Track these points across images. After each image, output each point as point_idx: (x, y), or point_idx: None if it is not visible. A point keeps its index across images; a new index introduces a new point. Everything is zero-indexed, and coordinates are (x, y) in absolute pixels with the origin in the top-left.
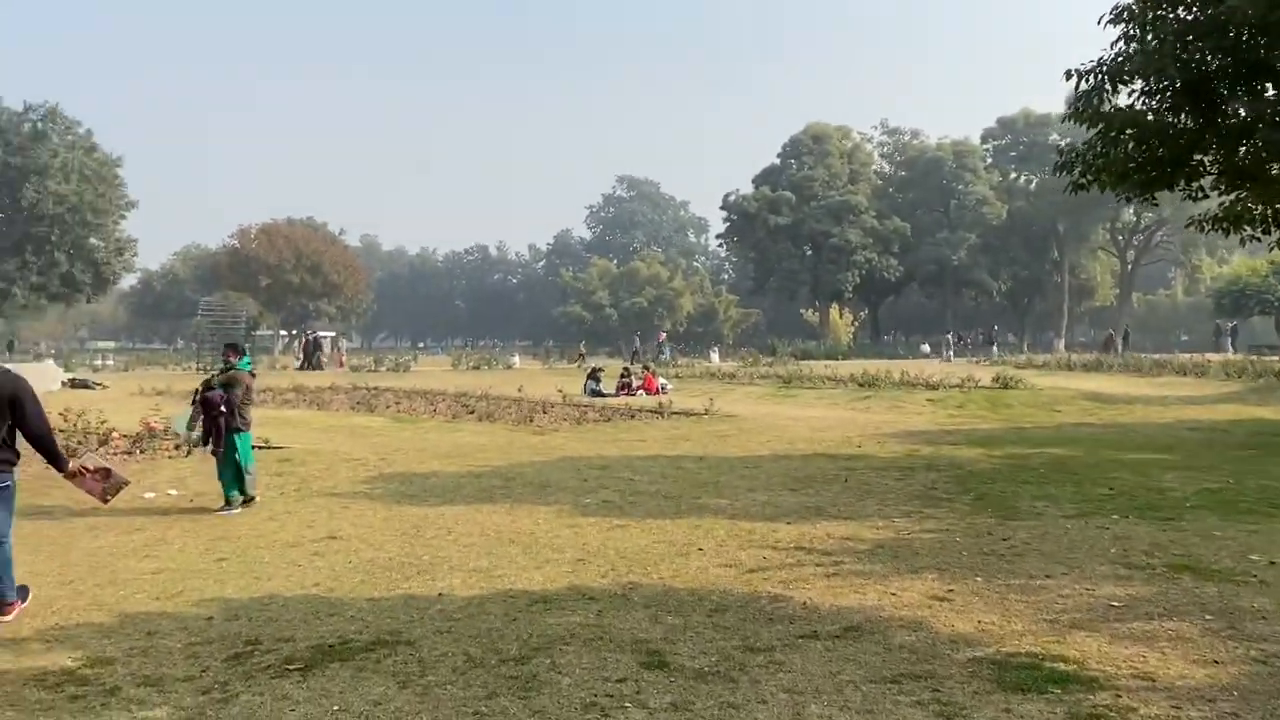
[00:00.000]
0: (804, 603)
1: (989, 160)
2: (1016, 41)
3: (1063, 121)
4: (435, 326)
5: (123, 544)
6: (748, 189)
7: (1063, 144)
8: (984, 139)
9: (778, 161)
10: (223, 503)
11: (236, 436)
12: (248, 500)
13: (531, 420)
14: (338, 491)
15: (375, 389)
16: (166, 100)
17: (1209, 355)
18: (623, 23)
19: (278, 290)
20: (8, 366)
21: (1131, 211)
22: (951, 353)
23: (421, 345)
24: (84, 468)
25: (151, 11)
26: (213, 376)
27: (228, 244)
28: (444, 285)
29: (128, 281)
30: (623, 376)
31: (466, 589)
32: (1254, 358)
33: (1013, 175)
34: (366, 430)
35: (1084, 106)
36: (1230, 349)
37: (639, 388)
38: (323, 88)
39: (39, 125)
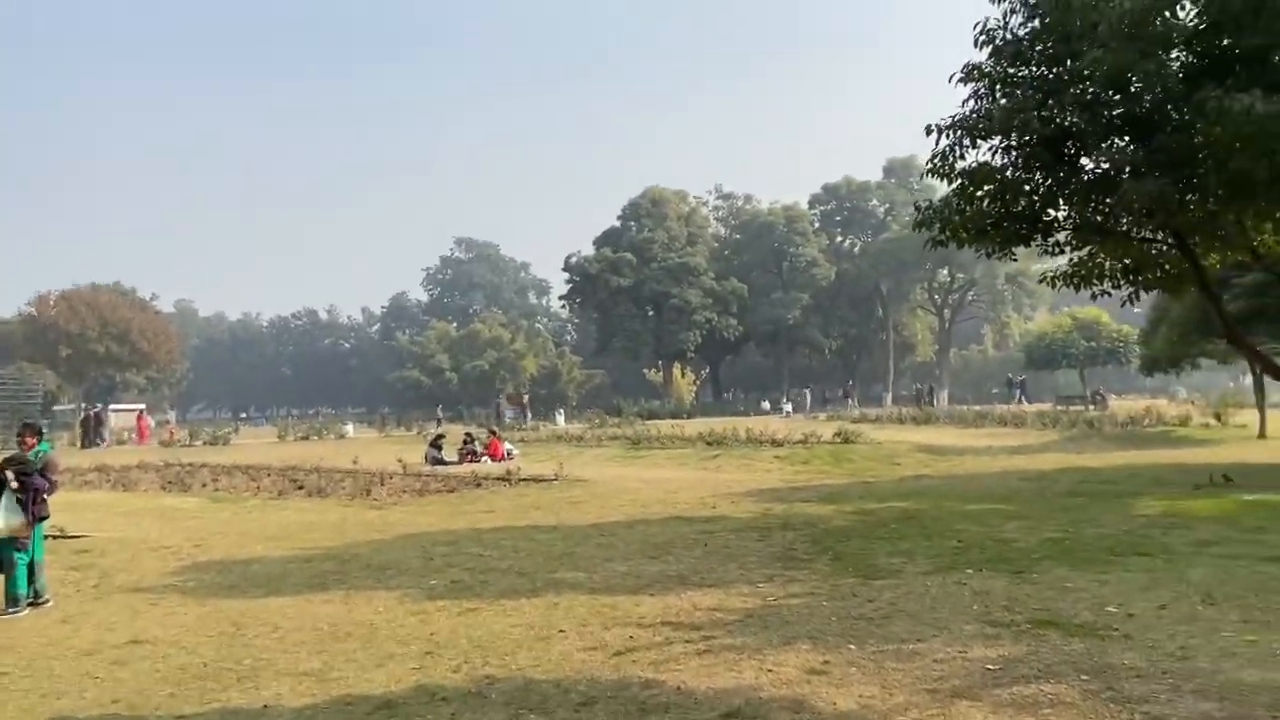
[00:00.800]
0: (678, 687)
1: (816, 224)
2: (839, 111)
3: (922, 177)
4: (260, 396)
5: None
6: (589, 250)
7: (921, 202)
8: (811, 204)
9: (618, 224)
10: (6, 605)
11: (38, 526)
12: (37, 601)
13: (368, 493)
14: (144, 586)
15: (190, 465)
16: None
17: (1016, 406)
18: (462, 77)
19: (80, 361)
20: None
21: (945, 272)
22: (790, 408)
23: (244, 416)
24: None
25: None
26: (16, 459)
27: (24, 312)
28: (269, 351)
29: None
30: (465, 443)
31: (296, 697)
32: (1062, 408)
33: (839, 239)
34: (179, 512)
35: (941, 162)
36: (1022, 400)
37: (484, 454)
38: (132, 138)
39: None
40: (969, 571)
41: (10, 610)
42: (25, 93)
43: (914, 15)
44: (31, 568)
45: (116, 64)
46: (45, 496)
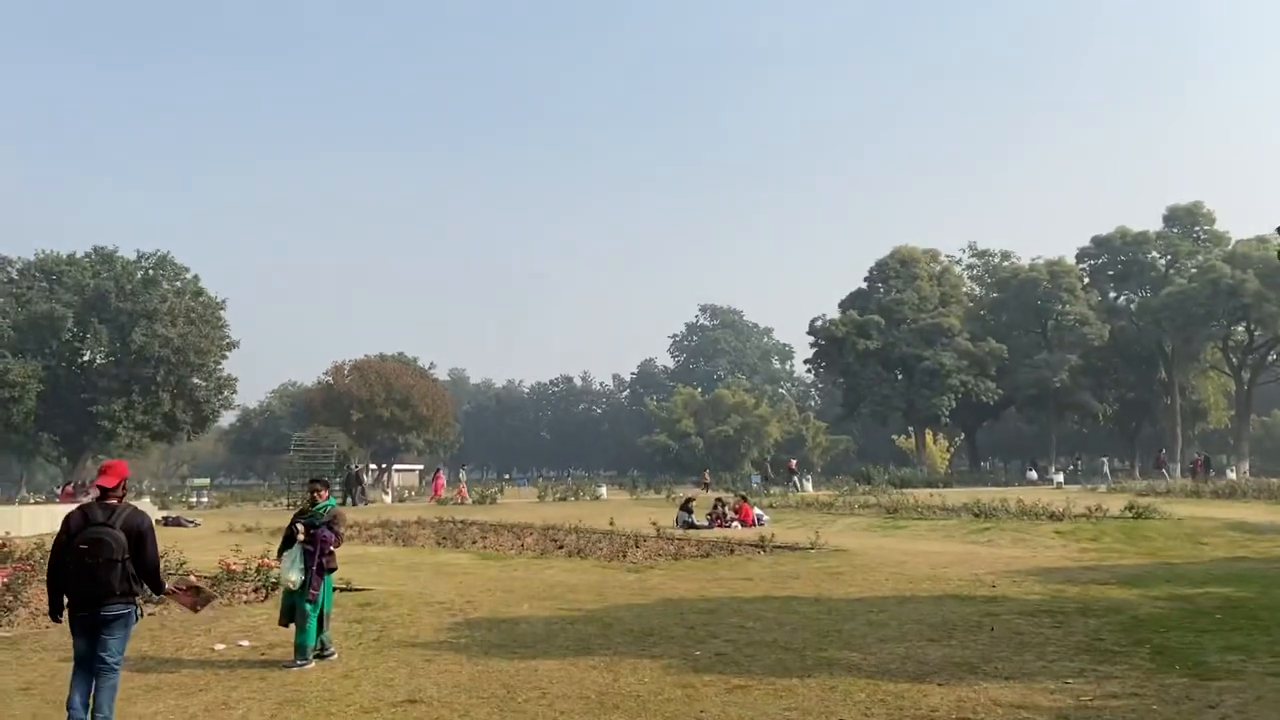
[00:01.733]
0: None
1: (1085, 280)
2: (1100, 162)
3: None
4: (521, 457)
5: (180, 709)
6: (834, 313)
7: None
8: (1079, 258)
9: (864, 285)
10: (295, 656)
11: (327, 578)
12: (323, 653)
13: (625, 555)
14: (420, 641)
15: (462, 522)
16: (272, 246)
17: None
18: (704, 142)
19: (368, 424)
20: (136, 504)
21: (1243, 328)
22: (1061, 478)
23: (507, 476)
24: (177, 587)
25: (240, 171)
26: (307, 511)
27: (322, 380)
28: (529, 416)
29: (227, 419)
30: (716, 507)
31: None
32: None
33: (1112, 294)
34: (452, 568)
35: None
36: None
37: (734, 519)
38: (414, 235)
39: (150, 272)
40: None
41: (299, 663)
42: (310, 175)
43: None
44: (321, 619)
45: (404, 150)
46: (332, 549)
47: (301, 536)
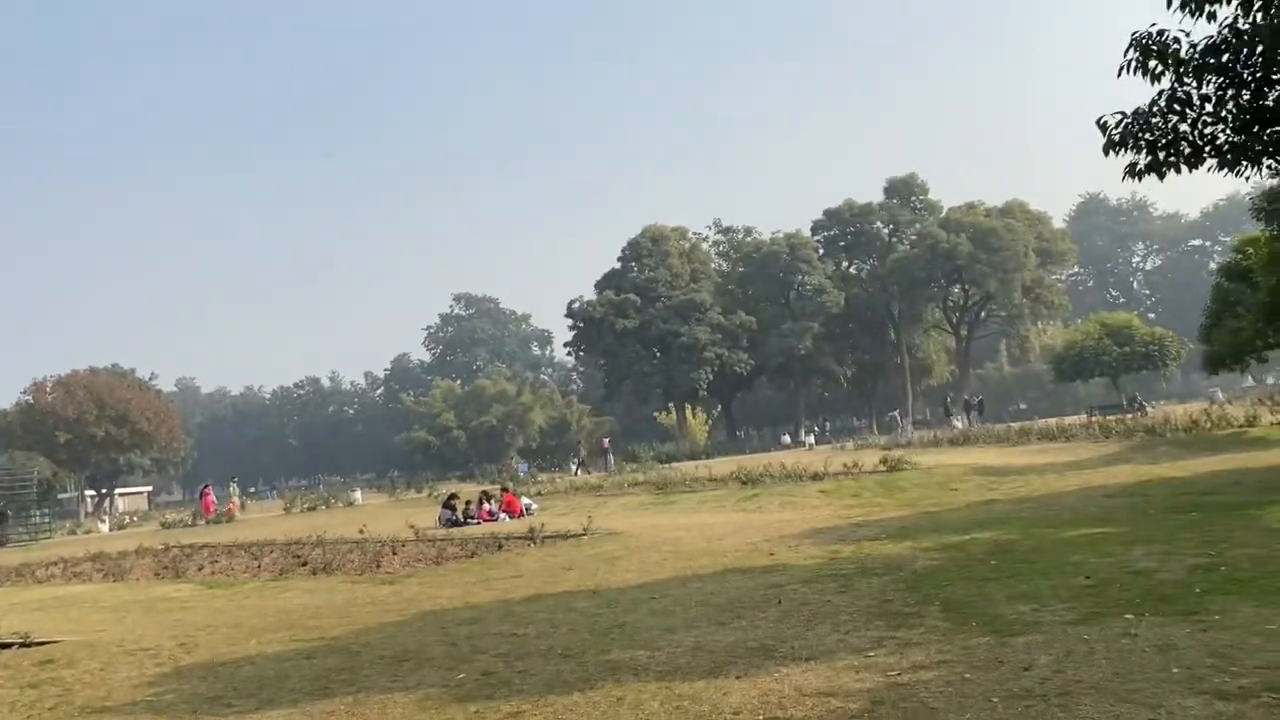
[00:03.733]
0: None
1: (821, 251)
2: (828, 134)
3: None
4: (267, 469)
5: None
6: (591, 295)
7: (1108, 116)
8: (814, 230)
9: (619, 265)
10: None
11: None
12: None
13: (379, 566)
14: (110, 704)
15: (190, 546)
16: None
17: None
18: (445, 132)
19: (80, 446)
20: None
21: (959, 289)
22: (812, 440)
23: (252, 490)
24: None
25: None
26: None
27: (21, 401)
28: (274, 423)
29: None
30: (481, 501)
31: None
32: (1098, 419)
33: (844, 264)
34: (169, 603)
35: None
36: (970, 422)
37: (502, 511)
38: (122, 219)
39: None
40: (1128, 617)
41: None
42: (14, 173)
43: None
44: None
45: (109, 144)
46: None
47: None
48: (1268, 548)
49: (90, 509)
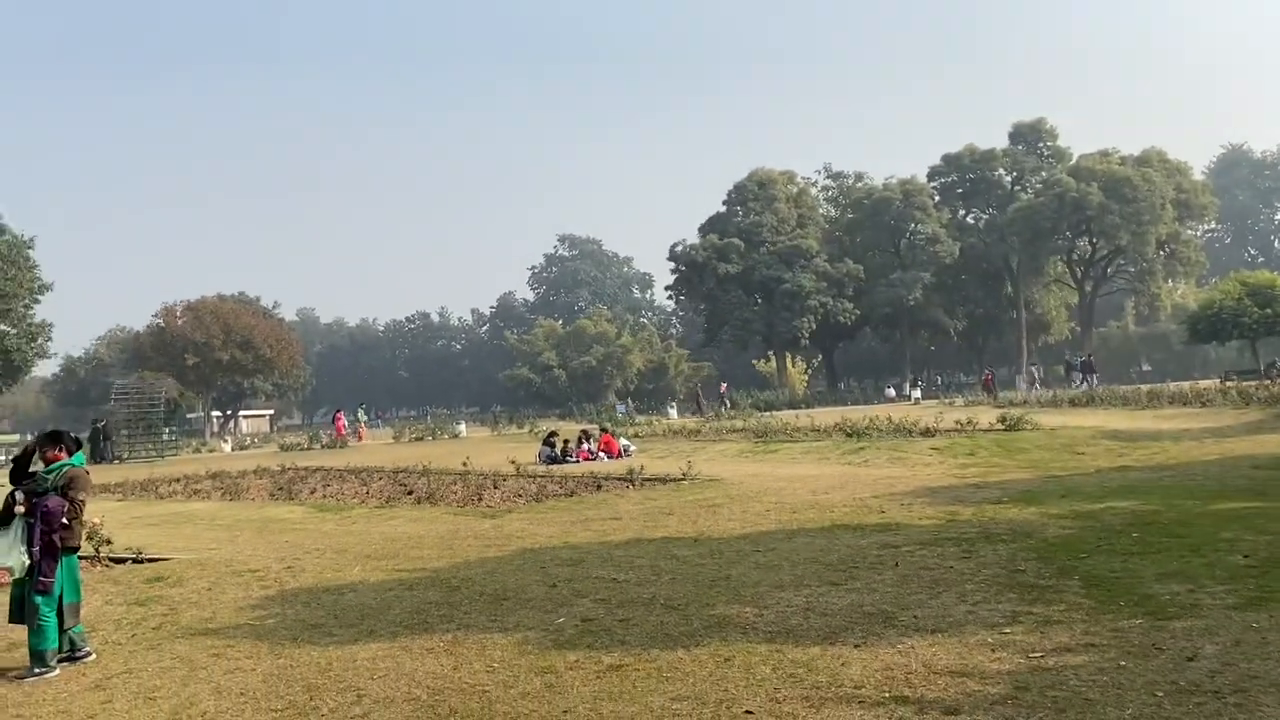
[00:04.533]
0: None
1: (937, 198)
2: (954, 77)
3: None
4: (379, 398)
5: None
6: (694, 239)
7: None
8: (930, 176)
9: (723, 209)
10: (31, 663)
11: (66, 559)
12: (74, 654)
13: (480, 499)
14: (213, 626)
15: (305, 469)
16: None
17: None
18: (559, 73)
19: (206, 369)
20: None
21: (1086, 242)
22: (919, 394)
23: (365, 418)
24: None
25: (61, 90)
26: (36, 477)
27: (153, 324)
28: (386, 355)
29: (47, 369)
30: (581, 441)
31: None
32: (1233, 384)
33: (961, 213)
34: (281, 524)
35: None
36: (1084, 384)
37: (600, 451)
38: (253, 160)
39: None
40: None
41: (37, 671)
42: (147, 105)
43: None
44: (61, 613)
45: (241, 79)
46: (66, 521)
47: (21, 508)
48: None
49: (216, 429)
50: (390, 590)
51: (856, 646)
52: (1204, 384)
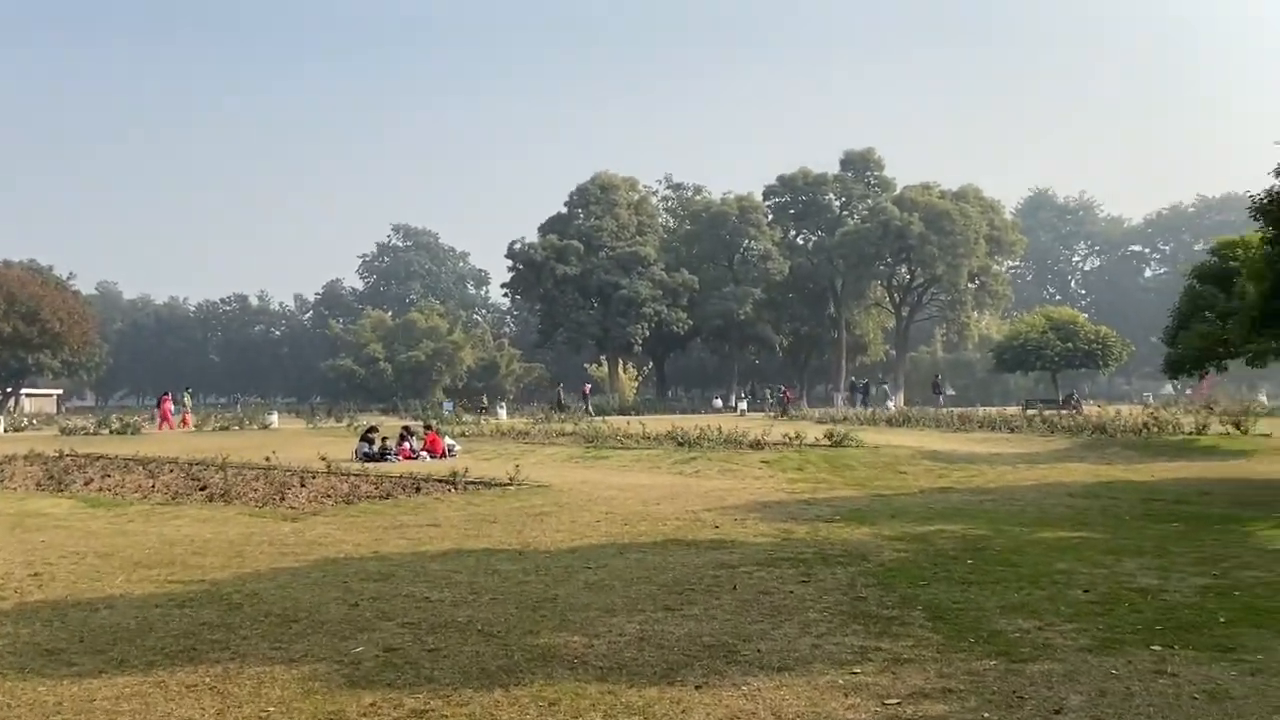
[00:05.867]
0: None
1: (770, 217)
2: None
3: None
4: (186, 382)
5: None
6: (533, 239)
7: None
8: (765, 195)
9: (565, 210)
10: None
11: None
12: None
13: (283, 499)
14: None
15: (86, 456)
16: None
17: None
18: (405, 63)
19: None
20: None
21: (906, 270)
22: (745, 406)
23: (190, 403)
24: None
25: None
26: None
27: None
28: (196, 337)
29: None
30: (402, 438)
31: None
32: (1033, 412)
33: (792, 233)
34: (40, 520)
35: None
36: (864, 405)
37: (423, 450)
38: (55, 111)
39: None
40: (1155, 648)
41: None
42: None
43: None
44: None
45: (57, 32)
46: None
47: None
48: (1272, 571)
49: None
50: (156, 607)
51: (698, 688)
52: (1010, 410)
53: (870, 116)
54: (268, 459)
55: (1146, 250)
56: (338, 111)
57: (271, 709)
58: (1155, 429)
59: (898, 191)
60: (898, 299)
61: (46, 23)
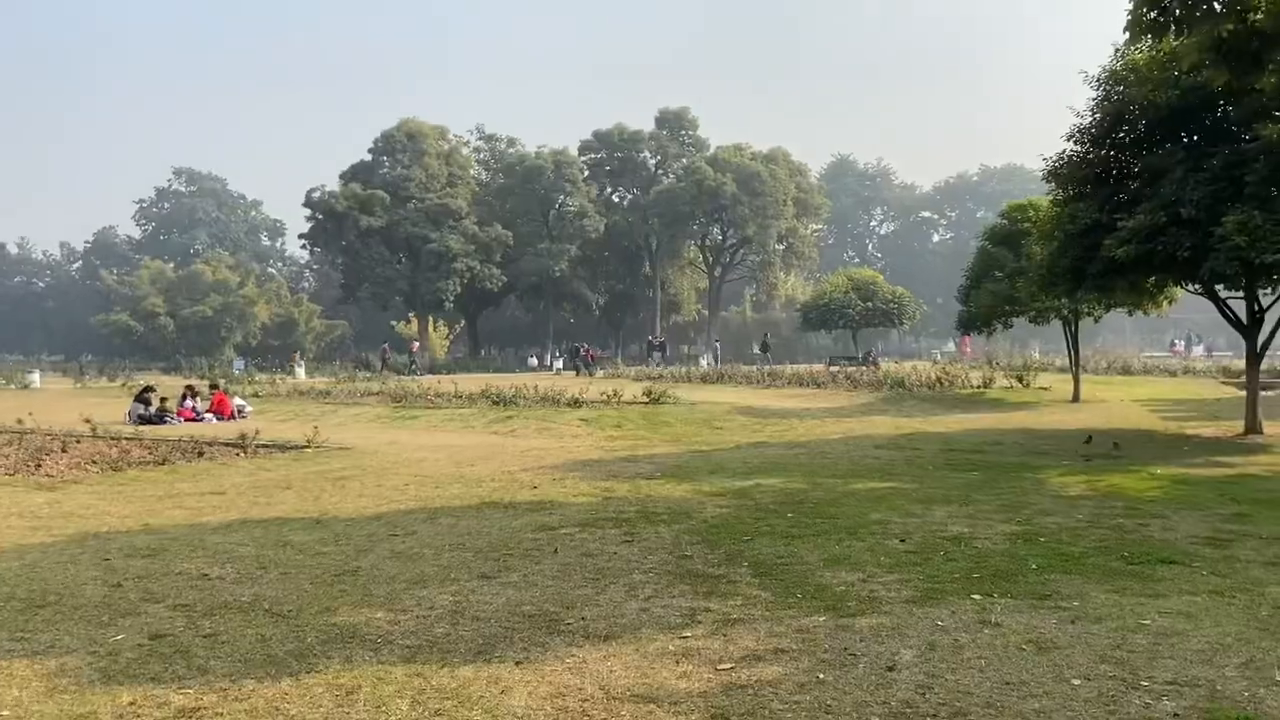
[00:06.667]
0: None
1: (586, 173)
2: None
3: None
4: None
5: None
6: (334, 187)
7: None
8: (581, 151)
9: (369, 158)
10: None
11: None
12: None
13: (39, 466)
14: None
15: None
16: None
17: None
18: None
19: None
20: None
21: (719, 230)
22: (560, 365)
23: None
24: None
25: None
26: None
27: None
28: None
29: None
30: (184, 397)
31: None
32: (836, 368)
33: (608, 190)
34: None
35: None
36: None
37: (209, 412)
38: None
39: None
40: (975, 598)
41: None
42: None
43: None
44: None
45: None
46: None
47: None
48: (1070, 516)
49: None
50: None
51: (518, 664)
52: (815, 368)
53: (683, 79)
54: (20, 421)
55: (935, 216)
56: (95, 35)
57: (5, 713)
58: (947, 383)
59: (711, 151)
60: (710, 259)
61: None
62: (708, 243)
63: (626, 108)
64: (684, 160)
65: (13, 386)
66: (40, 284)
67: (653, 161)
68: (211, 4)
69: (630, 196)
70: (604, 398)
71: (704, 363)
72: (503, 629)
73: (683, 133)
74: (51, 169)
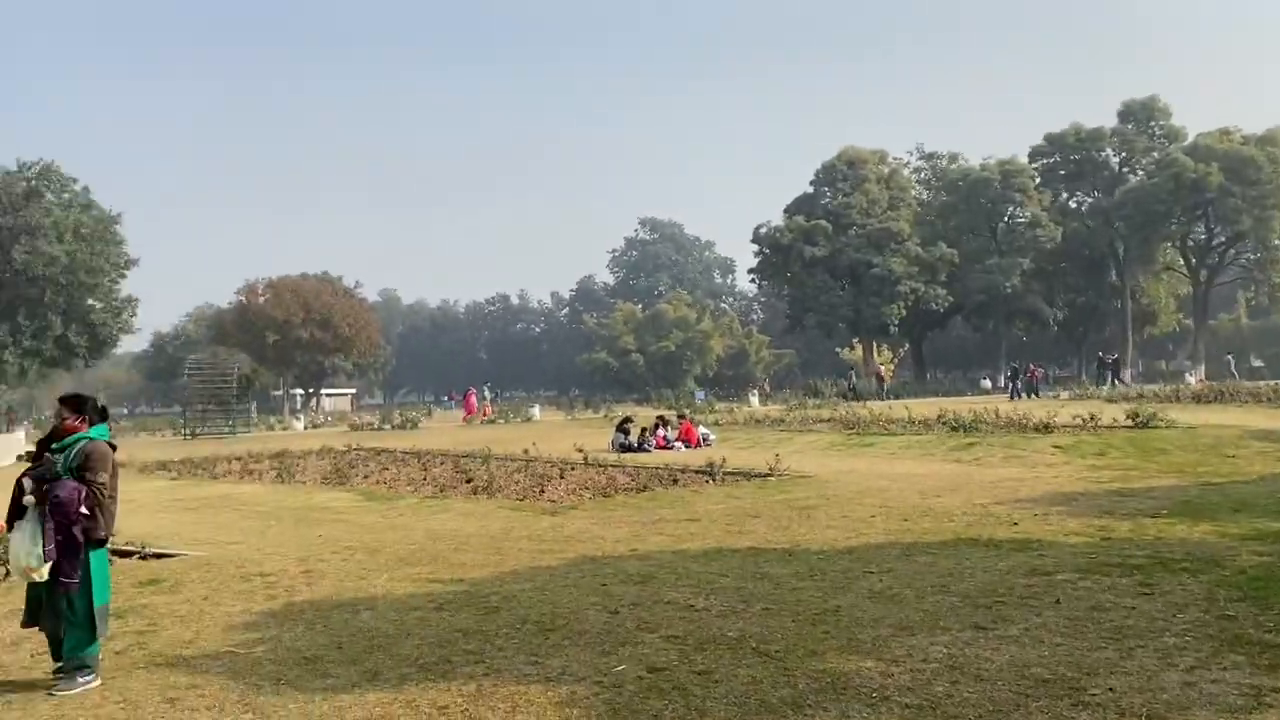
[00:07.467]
0: None
1: (1038, 180)
2: (1053, 55)
3: None
4: (459, 379)
5: None
6: (778, 222)
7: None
8: (1032, 157)
9: (810, 190)
10: (73, 674)
11: (93, 554)
12: (72, 669)
13: (542, 492)
14: (189, 653)
15: (369, 451)
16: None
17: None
18: (641, 59)
19: (286, 347)
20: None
21: (1204, 227)
22: (1019, 387)
23: (445, 399)
24: None
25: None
26: (45, 460)
27: (234, 301)
28: (466, 337)
29: (137, 344)
30: (656, 427)
31: None
32: None
33: (1064, 196)
34: (322, 514)
35: None
36: (1115, 384)
37: (678, 440)
38: (336, 142)
39: (33, 184)
40: None
41: (81, 680)
42: (237, 84)
43: None
44: (92, 617)
45: (329, 62)
46: (87, 510)
47: (32, 498)
48: None
49: (297, 406)
50: (415, 610)
51: None
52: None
53: (1146, 63)
54: (527, 451)
55: None
56: (580, 109)
57: None
58: None
59: (1189, 141)
60: (1193, 261)
61: (327, 43)
62: (1189, 243)
63: (1080, 106)
64: (1155, 154)
65: (518, 419)
66: (536, 329)
67: (1116, 160)
68: (652, 81)
69: (1090, 200)
70: (1078, 421)
71: (1190, 379)
72: (1013, 694)
73: (1152, 124)
74: (547, 228)
